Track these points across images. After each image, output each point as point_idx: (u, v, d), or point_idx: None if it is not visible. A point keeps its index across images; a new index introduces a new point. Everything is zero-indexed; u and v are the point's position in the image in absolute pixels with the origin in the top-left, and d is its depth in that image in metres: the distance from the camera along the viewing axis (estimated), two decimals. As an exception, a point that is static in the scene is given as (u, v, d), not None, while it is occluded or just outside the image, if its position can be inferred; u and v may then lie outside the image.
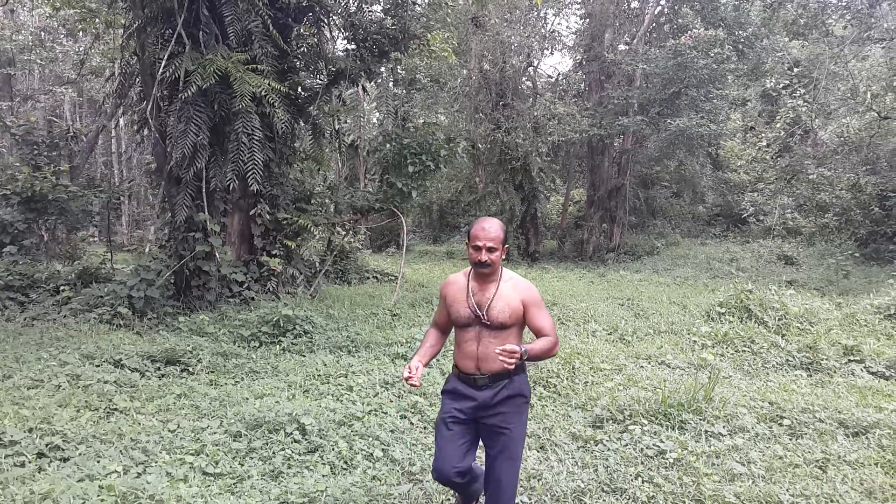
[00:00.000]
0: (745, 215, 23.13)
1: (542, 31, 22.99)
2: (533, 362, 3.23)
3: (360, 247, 16.48)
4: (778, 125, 24.24)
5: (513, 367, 3.00)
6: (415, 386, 3.25)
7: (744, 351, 7.88)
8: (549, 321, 3.29)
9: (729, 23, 18.34)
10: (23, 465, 4.17)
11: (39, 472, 4.09)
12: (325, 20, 11.03)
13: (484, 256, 3.22)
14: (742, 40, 18.78)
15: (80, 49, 19.26)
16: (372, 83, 17.22)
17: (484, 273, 3.28)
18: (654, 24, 22.10)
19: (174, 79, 8.75)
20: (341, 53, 11.65)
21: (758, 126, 27.16)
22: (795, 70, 21.10)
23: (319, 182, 13.44)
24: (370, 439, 4.82)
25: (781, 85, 22.27)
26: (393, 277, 14.47)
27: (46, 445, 4.42)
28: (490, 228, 3.25)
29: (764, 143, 25.69)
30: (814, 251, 19.15)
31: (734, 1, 17.94)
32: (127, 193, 17.87)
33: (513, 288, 3.31)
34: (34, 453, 4.31)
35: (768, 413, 5.52)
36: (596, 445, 4.82)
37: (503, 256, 3.32)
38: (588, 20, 22.34)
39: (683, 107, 19.96)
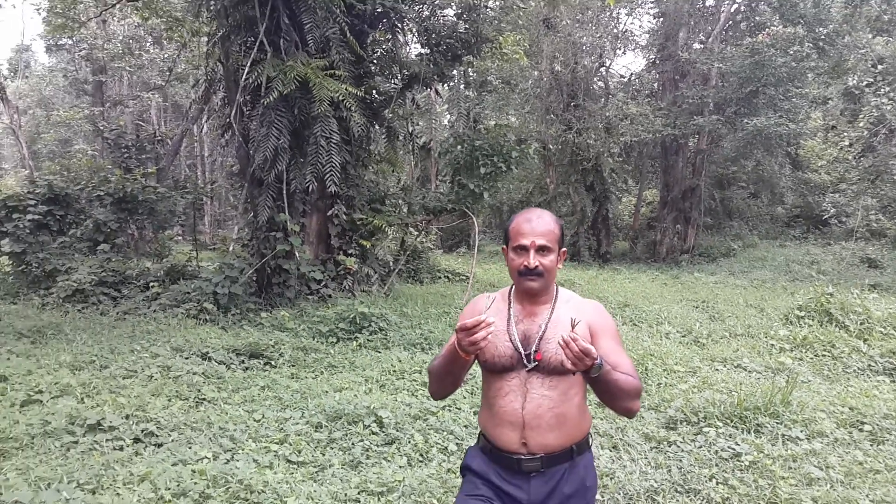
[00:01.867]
0: (826, 217, 22.37)
1: (615, 30, 22.77)
2: (613, 398, 2.18)
3: (431, 247, 16.71)
4: (861, 124, 23.33)
5: (578, 366, 1.92)
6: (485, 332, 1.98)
7: (823, 355, 7.70)
8: (630, 361, 2.20)
9: (809, 19, 17.82)
10: (121, 448, 4.46)
11: (136, 456, 4.37)
12: (400, 26, 11.27)
13: (533, 261, 2.17)
14: (823, 37, 18.21)
15: (167, 56, 20.13)
16: (444, 86, 17.43)
17: (533, 288, 2.21)
18: (730, 22, 21.63)
19: (256, 85, 9.12)
20: (415, 58, 11.87)
21: (840, 125, 26.19)
22: (879, 67, 20.31)
23: (393, 183, 13.71)
24: (444, 433, 4.96)
25: (865, 83, 21.46)
26: (464, 277, 14.63)
27: (142, 431, 4.70)
28: (540, 221, 2.22)
29: (846, 143, 24.75)
30: (899, 254, 18.43)
31: (815, -3, 17.43)
32: (210, 194, 18.55)
33: (575, 312, 2.19)
34: (131, 438, 4.59)
35: (848, 418, 5.42)
36: (669, 446, 4.84)
37: (561, 264, 2.29)
38: (662, 19, 22.04)
39: (761, 106, 19.47)
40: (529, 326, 2.23)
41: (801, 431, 5.04)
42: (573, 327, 1.92)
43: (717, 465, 4.50)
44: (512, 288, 2.36)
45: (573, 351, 1.86)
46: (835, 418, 5.42)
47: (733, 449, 4.68)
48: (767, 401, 5.38)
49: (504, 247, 2.32)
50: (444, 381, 2.28)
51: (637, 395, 2.14)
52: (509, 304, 2.32)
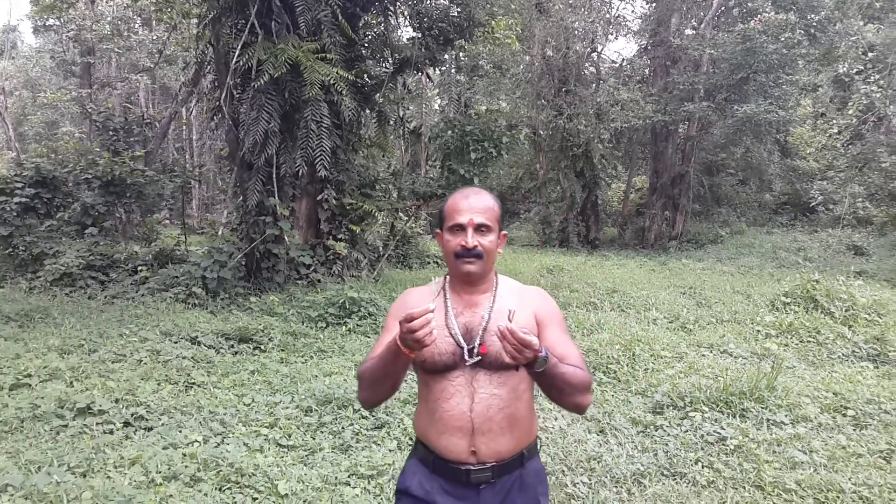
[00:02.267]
0: (813, 204, 22.51)
1: (607, 15, 22.72)
2: (557, 389, 1.91)
3: (421, 232, 16.72)
4: (850, 112, 23.47)
5: (519, 360, 1.71)
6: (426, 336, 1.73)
7: (809, 341, 7.79)
8: (578, 351, 2.01)
9: (800, 6, 17.86)
10: (111, 432, 4.48)
11: (127, 440, 4.39)
12: (392, 9, 11.20)
13: (471, 240, 1.96)
14: (814, 24, 18.26)
15: (156, 38, 19.96)
16: (436, 70, 17.37)
17: (471, 272, 1.99)
18: (722, 8, 21.62)
19: (247, 68, 9.06)
20: (407, 41, 11.81)
21: (829, 112, 26.32)
22: (870, 55, 20.42)
23: (383, 168, 13.68)
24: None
25: (855, 70, 21.58)
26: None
27: (132, 415, 4.72)
28: (479, 198, 2.03)
29: (835, 130, 24.89)
30: (885, 241, 18.58)
31: (807, -17, 17.45)
32: (199, 178, 18.46)
33: (519, 300, 2.06)
34: (121, 422, 4.61)
35: (832, 403, 5.50)
36: (656, 431, 4.90)
37: (501, 248, 2.09)
38: (654, 4, 22.02)
39: (751, 92, 19.51)
40: (471, 318, 2.00)
41: (786, 416, 5.11)
42: (510, 317, 1.71)
43: (702, 448, 4.56)
44: (447, 278, 2.12)
45: (511, 343, 1.66)
46: (819, 403, 5.50)
47: (719, 433, 4.75)
48: (753, 386, 5.45)
49: (438, 231, 2.10)
50: (380, 384, 1.97)
51: (586, 388, 1.92)
52: (445, 295, 2.08)
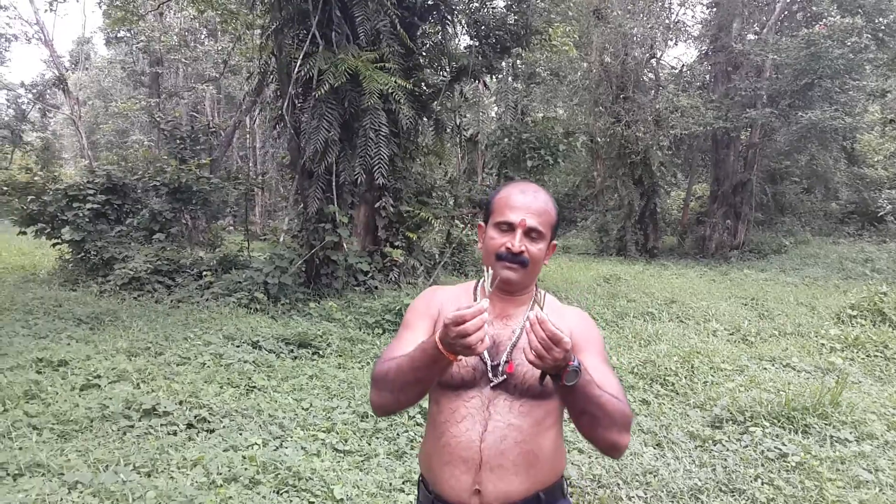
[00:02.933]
0: (881, 213, 21.72)
1: (667, 21, 22.43)
2: (594, 421, 1.62)
3: (477, 240, 16.73)
4: (921, 118, 22.64)
5: (545, 361, 1.43)
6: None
7: (875, 356, 7.54)
8: (618, 383, 1.71)
9: (868, 10, 17.33)
10: (175, 433, 4.61)
11: (189, 441, 4.52)
12: (450, 18, 11.28)
13: (518, 244, 1.72)
14: (882, 28, 17.70)
15: (221, 49, 20.48)
16: (492, 78, 17.40)
17: (511, 280, 1.74)
18: (785, 13, 21.13)
19: (308, 77, 9.24)
20: (464, 50, 11.89)
21: (898, 119, 25.42)
22: (943, 59, 19.65)
23: (440, 176, 13.78)
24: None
25: (925, 75, 20.79)
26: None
27: (195, 417, 4.85)
28: (537, 197, 1.78)
29: (905, 137, 24.04)
30: (957, 252, 17.85)
31: (875, -13, 16.93)
32: (261, 185, 18.88)
33: (556, 318, 1.70)
34: (184, 424, 4.74)
35: (900, 421, 5.32)
36: (714, 445, 4.81)
37: (548, 259, 1.85)
38: (715, 9, 21.63)
39: (816, 99, 19.00)
40: (500, 331, 1.76)
41: (850, 433, 4.96)
42: (540, 303, 1.64)
43: (762, 465, 4.47)
44: (479, 283, 1.89)
45: (538, 336, 1.40)
46: (885, 420, 5.32)
47: (780, 449, 4.64)
48: (816, 401, 5.31)
49: (481, 223, 1.87)
50: (406, 391, 1.64)
51: (625, 424, 1.63)
52: (475, 299, 1.85)
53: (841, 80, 18.38)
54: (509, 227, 1.73)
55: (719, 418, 5.28)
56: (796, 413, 5.17)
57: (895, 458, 4.63)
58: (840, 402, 5.38)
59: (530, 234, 1.73)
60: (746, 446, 4.75)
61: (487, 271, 1.65)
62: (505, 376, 1.70)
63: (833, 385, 5.80)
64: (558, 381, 1.49)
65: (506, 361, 1.70)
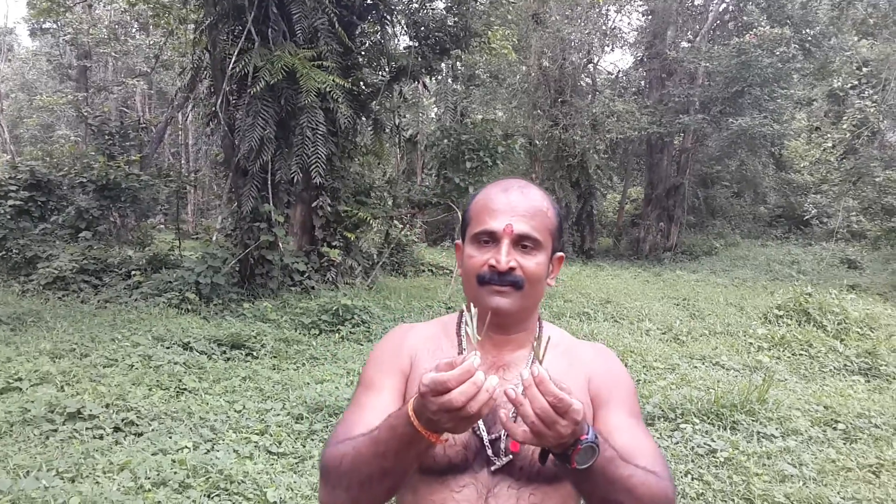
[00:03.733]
0: (807, 217, 22.65)
1: (603, 27, 22.84)
2: None
3: (416, 240, 16.73)
4: (844, 126, 23.58)
5: (546, 437, 1.00)
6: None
7: (801, 354, 7.81)
8: (655, 446, 1.29)
9: (796, 21, 18.00)
10: (101, 437, 4.46)
11: (116, 445, 4.37)
12: (389, 18, 11.25)
13: (505, 258, 1.26)
14: (809, 39, 18.40)
15: (153, 43, 19.95)
16: (432, 79, 17.42)
17: (502, 309, 1.28)
18: (717, 22, 21.76)
19: (243, 74, 9.07)
20: (403, 50, 11.86)
21: (823, 126, 26.47)
22: (864, 70, 20.56)
23: (379, 176, 13.73)
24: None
25: (849, 85, 21.70)
26: (448, 271, 14.65)
27: (122, 420, 4.70)
28: (524, 195, 1.32)
29: (829, 144, 25.01)
30: (878, 255, 18.70)
31: (802, -1, 17.59)
32: (194, 183, 18.46)
33: (569, 361, 1.37)
34: (111, 427, 4.58)
35: (823, 417, 5.51)
36: (646, 442, 4.89)
37: (553, 278, 1.38)
38: (650, 17, 22.14)
39: (746, 106, 19.64)
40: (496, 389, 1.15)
41: (776, 429, 5.11)
42: (539, 353, 1.07)
43: (692, 461, 4.56)
44: (462, 317, 1.40)
45: (535, 405, 0.98)
46: (809, 417, 5.51)
47: (709, 445, 4.75)
48: (744, 398, 5.46)
49: (458, 242, 1.40)
50: (370, 486, 1.15)
51: None
52: (459, 345, 1.37)
53: (770, 88, 19.03)
54: (491, 238, 1.28)
55: (651, 415, 5.37)
56: (725, 410, 5.30)
57: (818, 452, 4.79)
58: (767, 400, 5.55)
59: (521, 243, 1.27)
60: (677, 443, 4.85)
61: (470, 310, 1.11)
62: (510, 456, 1.24)
63: (760, 383, 5.97)
64: (566, 463, 1.04)
65: (508, 437, 1.22)
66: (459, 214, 12.00)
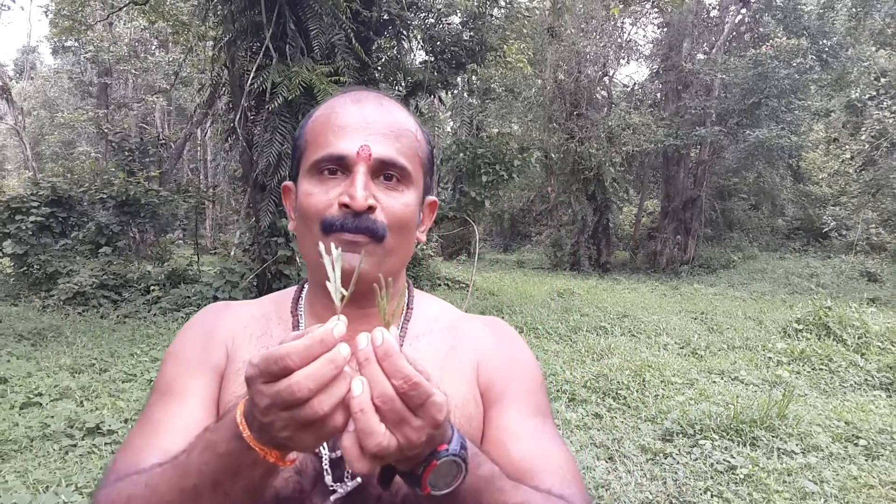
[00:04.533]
0: (826, 229, 22.45)
1: (619, 40, 22.85)
2: None
3: (432, 254, 16.74)
4: (863, 137, 23.42)
5: (386, 450, 0.63)
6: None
7: (821, 369, 7.73)
8: (566, 455, 0.94)
9: (812, 32, 17.92)
10: (120, 452, 4.49)
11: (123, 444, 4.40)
12: (405, 33, 11.32)
13: (362, 192, 0.87)
14: (826, 50, 18.30)
15: (172, 60, 20.21)
16: (448, 93, 17.49)
17: (358, 273, 0.73)
18: (733, 34, 21.71)
19: (261, 90, 9.16)
20: (419, 65, 11.92)
21: (842, 138, 26.30)
22: (882, 80, 20.42)
23: (395, 190, 13.74)
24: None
25: (867, 96, 21.57)
26: (464, 285, 14.65)
27: (141, 435, 4.74)
28: (384, 109, 0.96)
29: (848, 156, 24.84)
30: (899, 268, 18.48)
31: (818, 10, 17.50)
32: (212, 199, 18.63)
33: (453, 342, 1.05)
34: (130, 442, 4.63)
35: (844, 433, 5.44)
36: (665, 458, 4.86)
37: (425, 228, 1.04)
38: (666, 29, 22.13)
39: (763, 117, 19.54)
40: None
41: (797, 445, 5.05)
42: (385, 318, 0.72)
43: (712, 477, 4.52)
44: (303, 290, 1.08)
45: (377, 389, 0.64)
46: (830, 432, 5.44)
47: (729, 462, 4.70)
48: (764, 414, 5.41)
49: (287, 183, 1.07)
50: None
51: None
52: (296, 328, 1.02)
53: (787, 100, 18.93)
54: (340, 166, 0.91)
55: (670, 431, 5.33)
56: (744, 426, 5.25)
57: (840, 469, 4.73)
58: (787, 415, 5.49)
59: (384, 172, 0.92)
60: (696, 459, 4.80)
61: (331, 253, 0.74)
62: (357, 480, 0.88)
63: (780, 398, 5.91)
64: (417, 487, 0.71)
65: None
66: (476, 228, 12.02)
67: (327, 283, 0.72)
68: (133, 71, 21.08)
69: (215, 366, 0.99)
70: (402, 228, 0.93)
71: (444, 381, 0.92)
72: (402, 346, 0.89)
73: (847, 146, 25.04)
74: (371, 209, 0.89)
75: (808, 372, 7.67)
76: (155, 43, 22.87)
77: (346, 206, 0.88)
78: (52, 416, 4.84)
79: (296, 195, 0.99)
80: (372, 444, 0.63)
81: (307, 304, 1.04)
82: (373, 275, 0.85)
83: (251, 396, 0.66)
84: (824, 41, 18.32)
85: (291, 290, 1.10)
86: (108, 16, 15.85)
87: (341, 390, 0.63)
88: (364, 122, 0.93)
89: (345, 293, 0.71)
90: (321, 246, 0.76)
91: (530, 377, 1.04)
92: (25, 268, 10.72)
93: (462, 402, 0.98)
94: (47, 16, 17.32)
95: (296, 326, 1.02)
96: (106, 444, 4.55)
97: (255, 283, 9.81)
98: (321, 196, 0.91)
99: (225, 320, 1.06)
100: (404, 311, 1.05)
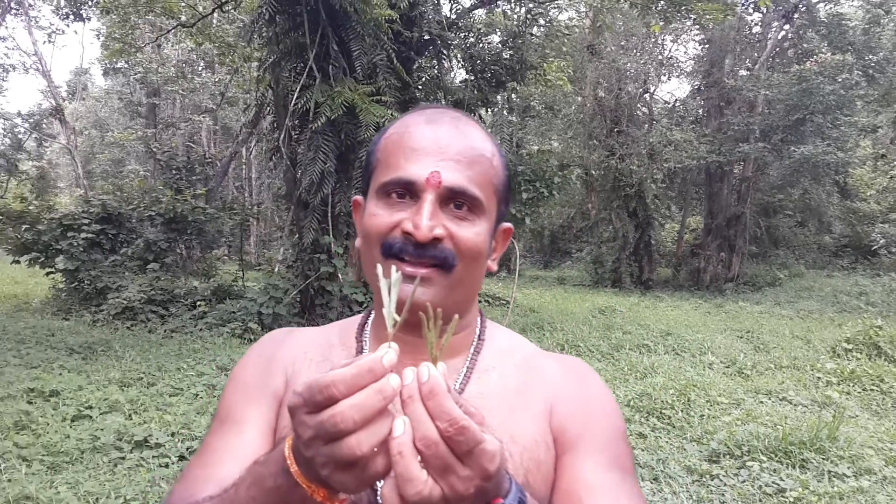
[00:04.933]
0: (875, 247, 21.89)
1: (659, 57, 22.73)
2: None
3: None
4: (912, 153, 22.96)
5: (446, 492, 0.58)
6: None
7: (872, 390, 7.52)
8: None
9: (858, 47, 17.62)
10: (167, 465, 4.56)
11: (181, 474, 4.47)
12: (446, 53, 11.42)
13: (427, 222, 0.83)
14: (872, 65, 17.98)
15: (218, 80, 20.66)
16: (488, 111, 17.56)
17: (422, 304, 0.73)
18: (776, 49, 21.45)
19: (305, 110, 9.31)
20: (459, 84, 12.02)
21: (890, 154, 25.72)
22: (931, 95, 19.98)
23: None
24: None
25: (915, 111, 21.11)
26: (504, 302, 14.62)
27: (187, 449, 4.79)
28: (458, 131, 0.91)
29: (896, 172, 24.34)
30: (950, 286, 17.93)
31: (864, 25, 17.21)
32: (257, 216, 18.93)
33: (524, 379, 0.97)
34: (176, 455, 4.68)
35: (897, 456, 5.30)
36: (712, 480, 4.77)
37: (496, 258, 1.00)
38: (707, 46, 21.95)
39: (808, 133, 19.21)
40: None
41: (848, 468, 4.93)
42: (433, 354, 0.65)
43: (760, 500, 4.43)
44: (370, 316, 1.04)
45: (419, 431, 0.59)
46: (883, 455, 5.29)
47: (777, 484, 4.60)
48: (813, 435, 5.28)
49: (357, 198, 1.02)
50: None
51: None
52: (360, 353, 0.99)
53: (832, 116, 18.61)
54: (408, 191, 0.88)
55: (716, 452, 5.24)
56: (793, 447, 5.14)
57: (893, 493, 4.60)
58: (837, 437, 5.35)
59: (454, 201, 0.88)
60: (744, 481, 4.71)
61: (390, 277, 0.71)
62: None
63: (830, 419, 5.77)
64: None
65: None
66: (516, 245, 11.99)
67: (383, 308, 0.69)
68: (180, 91, 21.57)
69: (274, 392, 0.98)
70: (473, 258, 0.89)
71: (512, 420, 0.91)
72: (469, 378, 0.94)
73: (895, 162, 24.49)
74: (437, 240, 0.85)
75: (859, 393, 7.48)
76: (202, 64, 23.40)
77: (408, 234, 0.85)
78: (102, 429, 4.93)
79: (363, 212, 0.95)
80: (411, 492, 0.58)
81: (373, 331, 1.01)
82: (439, 305, 0.75)
83: (294, 427, 0.62)
84: (870, 56, 18.01)
85: (359, 316, 1.07)
86: (157, 38, 16.31)
87: (383, 430, 0.58)
88: (437, 146, 0.88)
89: (397, 319, 0.67)
90: (379, 269, 0.72)
91: (610, 425, 0.95)
92: (76, 283, 10.99)
93: (531, 445, 0.90)
94: (99, 39, 17.91)
95: (359, 353, 0.98)
96: (153, 457, 4.63)
97: (298, 300, 9.94)
98: (385, 218, 0.88)
99: (286, 346, 1.05)
100: (474, 343, 1.00)
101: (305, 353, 1.01)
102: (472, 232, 0.88)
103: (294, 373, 0.99)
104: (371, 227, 0.89)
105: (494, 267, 0.97)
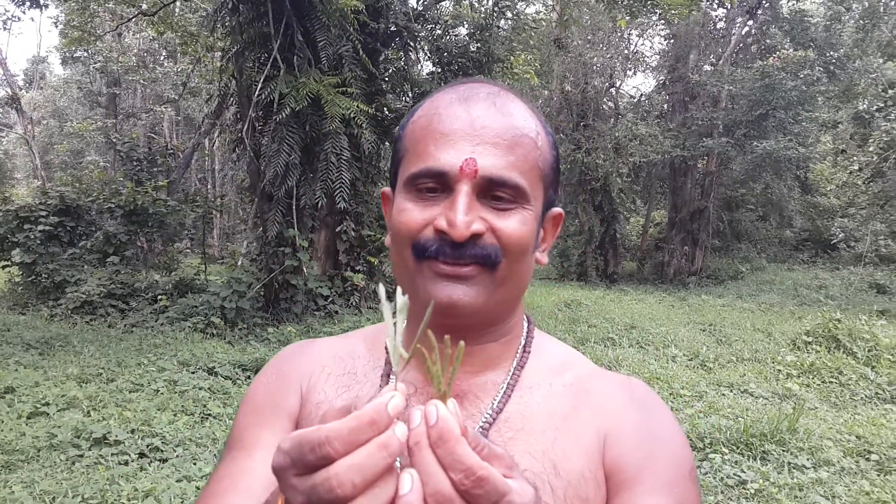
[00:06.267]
0: (834, 241, 22.33)
1: (626, 52, 22.89)
2: None
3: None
4: (871, 149, 23.35)
5: None
6: None
7: (831, 382, 7.67)
8: None
9: (819, 43, 17.93)
10: (126, 463, 4.47)
11: (141, 471, 4.37)
12: (413, 44, 11.35)
13: (463, 217, 0.73)
14: (833, 61, 18.31)
15: (180, 70, 20.33)
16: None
17: (458, 307, 0.75)
18: (740, 45, 21.71)
19: (269, 101, 9.19)
20: (426, 76, 11.95)
21: (849, 149, 26.22)
22: (889, 92, 20.35)
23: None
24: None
25: (875, 107, 21.51)
26: (471, 295, 14.60)
27: (147, 446, 4.71)
28: (496, 108, 0.79)
29: (856, 167, 24.75)
30: (908, 280, 18.37)
31: (825, 21, 17.50)
32: (220, 208, 18.69)
33: (573, 402, 0.84)
34: (136, 453, 4.60)
35: (855, 447, 5.39)
36: (674, 471, 4.81)
37: (545, 251, 0.90)
38: (672, 41, 22.16)
39: (771, 129, 19.51)
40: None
41: (808, 459, 5.01)
42: (441, 390, 0.54)
43: (722, 492, 4.48)
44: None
45: (430, 487, 0.49)
46: (841, 447, 5.39)
47: (739, 476, 4.66)
48: (774, 427, 5.36)
49: (386, 189, 0.91)
50: None
51: None
52: (388, 366, 0.89)
53: (794, 112, 18.90)
54: (440, 184, 0.78)
55: (679, 445, 5.28)
56: (755, 439, 5.21)
57: (851, 484, 4.68)
58: (797, 429, 5.44)
59: (493, 192, 0.77)
60: (706, 473, 4.76)
61: (394, 299, 0.61)
62: None
63: (790, 411, 5.87)
64: None
65: None
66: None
67: (387, 339, 0.58)
68: (142, 81, 21.21)
69: (288, 412, 0.88)
70: (519, 253, 0.78)
71: (556, 449, 0.79)
72: (509, 397, 0.82)
73: (855, 158, 24.96)
74: (476, 236, 0.75)
75: (819, 385, 7.61)
76: (163, 53, 22.99)
77: (442, 232, 0.75)
78: (59, 426, 4.82)
79: (391, 207, 0.85)
80: None
81: (405, 342, 0.80)
82: (482, 306, 0.77)
83: (283, 491, 0.53)
84: (831, 53, 18.33)
85: (375, 328, 0.97)
86: (118, 27, 15.96)
87: (388, 491, 0.49)
88: (471, 128, 0.77)
89: (405, 354, 0.56)
90: (381, 290, 0.59)
91: (676, 462, 0.81)
92: (33, 276, 10.74)
93: (577, 480, 0.78)
94: (57, 27, 17.49)
95: (388, 366, 0.87)
96: (113, 454, 4.53)
97: (262, 293, 9.82)
98: (415, 214, 0.78)
99: (302, 359, 0.95)
100: (518, 354, 0.88)
101: (323, 368, 0.91)
102: (517, 223, 0.78)
103: (310, 388, 0.89)
104: (400, 224, 0.79)
105: (544, 259, 0.89)
